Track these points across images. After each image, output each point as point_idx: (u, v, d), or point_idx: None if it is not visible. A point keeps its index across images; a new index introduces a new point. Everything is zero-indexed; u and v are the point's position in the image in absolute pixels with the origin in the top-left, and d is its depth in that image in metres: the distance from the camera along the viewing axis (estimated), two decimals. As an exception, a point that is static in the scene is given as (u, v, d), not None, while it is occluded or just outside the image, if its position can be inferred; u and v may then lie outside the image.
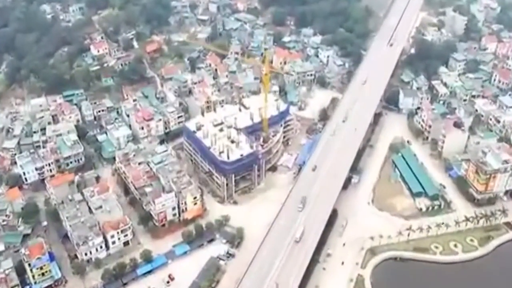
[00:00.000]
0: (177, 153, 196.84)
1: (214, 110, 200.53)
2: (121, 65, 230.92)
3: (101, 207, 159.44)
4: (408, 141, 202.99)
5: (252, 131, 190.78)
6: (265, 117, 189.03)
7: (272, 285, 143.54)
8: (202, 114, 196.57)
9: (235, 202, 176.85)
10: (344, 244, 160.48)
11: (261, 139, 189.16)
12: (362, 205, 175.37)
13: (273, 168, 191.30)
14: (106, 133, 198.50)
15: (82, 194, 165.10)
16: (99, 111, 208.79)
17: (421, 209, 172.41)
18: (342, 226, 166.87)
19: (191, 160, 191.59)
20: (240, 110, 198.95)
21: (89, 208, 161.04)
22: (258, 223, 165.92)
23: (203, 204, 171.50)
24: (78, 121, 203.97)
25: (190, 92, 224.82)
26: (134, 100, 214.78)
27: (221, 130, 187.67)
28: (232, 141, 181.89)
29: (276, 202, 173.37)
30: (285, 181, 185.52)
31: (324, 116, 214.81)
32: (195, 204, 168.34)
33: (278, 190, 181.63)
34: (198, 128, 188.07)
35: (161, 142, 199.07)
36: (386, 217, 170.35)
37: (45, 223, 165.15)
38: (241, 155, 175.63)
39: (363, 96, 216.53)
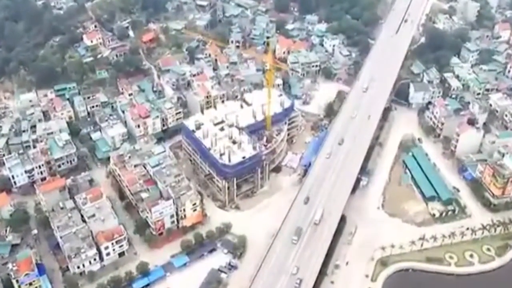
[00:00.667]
0: (175, 152, 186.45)
1: (214, 107, 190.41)
2: (116, 56, 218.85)
3: (94, 215, 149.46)
4: (419, 139, 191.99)
5: (255, 129, 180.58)
6: (269, 114, 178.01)
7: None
8: (202, 111, 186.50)
9: (237, 207, 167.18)
10: (352, 255, 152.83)
11: (264, 139, 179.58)
12: (372, 210, 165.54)
13: (277, 169, 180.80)
14: (100, 130, 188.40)
15: (74, 200, 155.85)
16: (93, 107, 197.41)
17: (434, 215, 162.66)
18: (350, 234, 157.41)
19: (190, 160, 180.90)
20: (241, 106, 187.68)
21: (82, 216, 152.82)
22: (262, 231, 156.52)
23: (203, 210, 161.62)
24: (70, 117, 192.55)
25: (188, 84, 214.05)
26: (130, 95, 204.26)
27: (221, 129, 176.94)
28: (234, 142, 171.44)
29: (280, 207, 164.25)
30: (290, 184, 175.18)
31: (330, 111, 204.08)
32: (195, 210, 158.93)
33: (283, 193, 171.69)
34: (198, 127, 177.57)
35: (159, 140, 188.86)
36: (397, 224, 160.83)
37: (35, 231, 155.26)
38: (244, 157, 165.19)
39: (372, 90, 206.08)
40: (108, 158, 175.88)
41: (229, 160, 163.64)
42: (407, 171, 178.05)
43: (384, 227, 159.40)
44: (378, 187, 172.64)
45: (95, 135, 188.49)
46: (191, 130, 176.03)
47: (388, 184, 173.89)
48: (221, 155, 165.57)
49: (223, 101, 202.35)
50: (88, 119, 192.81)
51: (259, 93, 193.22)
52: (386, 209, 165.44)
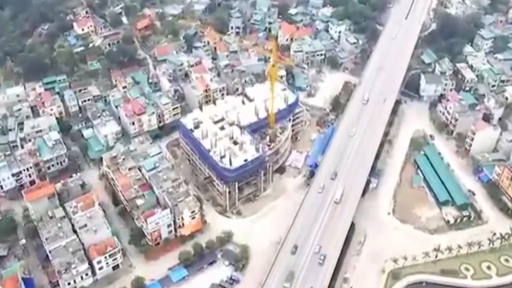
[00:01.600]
0: (173, 151, 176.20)
1: (214, 102, 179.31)
2: (109, 45, 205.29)
3: (85, 225, 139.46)
4: (431, 136, 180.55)
5: (257, 128, 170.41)
6: (272, 112, 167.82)
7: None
8: (200, 108, 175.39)
9: (238, 213, 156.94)
10: (362, 267, 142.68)
11: (267, 138, 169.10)
12: (382, 215, 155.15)
13: (281, 170, 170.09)
14: (92, 127, 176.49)
15: (64, 208, 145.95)
16: (85, 101, 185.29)
17: (448, 222, 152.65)
18: (360, 243, 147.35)
19: (189, 160, 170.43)
20: (243, 102, 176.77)
21: (72, 225, 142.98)
22: (266, 240, 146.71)
23: (203, 217, 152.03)
24: (60, 113, 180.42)
25: (186, 75, 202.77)
26: (124, 87, 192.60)
27: (222, 128, 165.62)
28: (235, 143, 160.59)
29: (285, 213, 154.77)
30: (295, 186, 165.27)
31: (337, 104, 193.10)
32: (194, 218, 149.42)
33: (287, 198, 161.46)
34: (196, 126, 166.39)
35: (155, 137, 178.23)
36: (409, 232, 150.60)
37: (23, 241, 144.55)
38: (246, 160, 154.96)
39: (381, 82, 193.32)
40: (101, 159, 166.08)
41: (230, 164, 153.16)
42: (419, 171, 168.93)
43: (395, 235, 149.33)
44: (389, 190, 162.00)
45: (87, 133, 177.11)
46: (189, 129, 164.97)
47: (399, 186, 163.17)
48: (221, 157, 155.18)
49: (222, 94, 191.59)
50: (80, 114, 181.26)
51: (262, 87, 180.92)
52: (397, 215, 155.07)
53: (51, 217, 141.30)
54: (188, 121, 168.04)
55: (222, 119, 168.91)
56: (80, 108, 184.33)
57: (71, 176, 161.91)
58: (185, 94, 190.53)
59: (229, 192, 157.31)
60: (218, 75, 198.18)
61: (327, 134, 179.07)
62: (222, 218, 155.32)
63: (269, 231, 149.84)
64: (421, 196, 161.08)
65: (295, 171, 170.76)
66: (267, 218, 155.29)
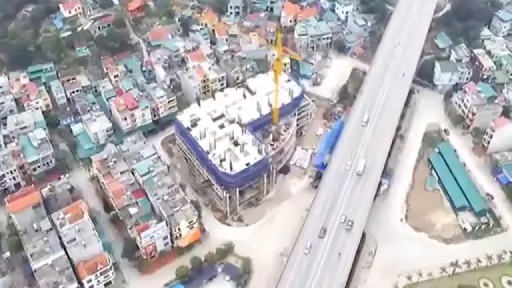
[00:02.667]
0: (169, 148, 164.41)
1: (213, 95, 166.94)
2: (99, 28, 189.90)
3: (74, 239, 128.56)
4: (445, 130, 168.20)
5: (260, 125, 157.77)
6: (276, 107, 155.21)
7: None
8: (198, 102, 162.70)
9: (239, 219, 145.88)
10: (373, 282, 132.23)
11: (271, 136, 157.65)
12: (394, 222, 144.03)
13: (285, 169, 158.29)
14: (81, 121, 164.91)
15: (51, 219, 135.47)
16: (73, 92, 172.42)
17: (465, 229, 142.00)
18: (370, 254, 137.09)
19: (185, 159, 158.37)
20: (244, 96, 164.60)
21: (60, 237, 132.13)
22: (269, 251, 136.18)
23: (201, 225, 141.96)
24: (47, 106, 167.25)
25: (183, 61, 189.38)
26: (115, 77, 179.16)
27: (221, 126, 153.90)
28: (236, 143, 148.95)
29: (290, 220, 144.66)
30: (301, 188, 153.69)
31: (344, 94, 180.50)
32: (191, 228, 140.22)
33: (292, 201, 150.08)
34: (194, 124, 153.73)
35: (150, 132, 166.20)
36: (424, 241, 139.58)
37: (7, 254, 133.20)
38: (247, 164, 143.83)
39: (393, 70, 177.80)
40: (91, 157, 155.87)
41: (231, 168, 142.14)
42: (433, 172, 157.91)
43: (408, 245, 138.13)
44: (401, 193, 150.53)
45: (76, 128, 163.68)
46: (185, 127, 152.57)
47: (412, 189, 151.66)
48: (221, 161, 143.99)
49: (222, 84, 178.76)
50: (68, 109, 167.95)
51: (264, 79, 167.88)
52: (410, 222, 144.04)
53: (36, 230, 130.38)
54: (184, 118, 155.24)
55: (222, 116, 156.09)
56: (68, 99, 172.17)
57: (59, 178, 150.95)
58: (181, 84, 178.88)
59: (230, 197, 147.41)
60: (217, 61, 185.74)
61: (335, 129, 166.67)
62: (222, 226, 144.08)
63: (272, 241, 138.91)
64: (436, 200, 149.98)
65: (300, 171, 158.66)
66: (270, 226, 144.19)
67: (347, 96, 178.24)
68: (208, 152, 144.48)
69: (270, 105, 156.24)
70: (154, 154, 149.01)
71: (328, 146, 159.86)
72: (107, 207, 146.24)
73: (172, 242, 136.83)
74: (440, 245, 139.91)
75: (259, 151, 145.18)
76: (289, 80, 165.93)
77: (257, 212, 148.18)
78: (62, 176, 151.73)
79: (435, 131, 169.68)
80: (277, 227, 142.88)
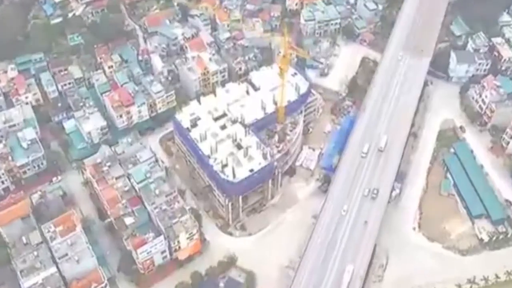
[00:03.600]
0: (167, 147, 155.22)
1: (214, 91, 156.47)
2: (92, 14, 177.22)
3: (66, 254, 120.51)
4: (461, 127, 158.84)
5: (264, 125, 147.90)
6: (282, 107, 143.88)
7: None
8: (198, 99, 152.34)
9: (242, 227, 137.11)
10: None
11: (276, 137, 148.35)
12: (406, 231, 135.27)
13: (290, 171, 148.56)
14: (74, 116, 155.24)
15: (41, 230, 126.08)
16: (65, 85, 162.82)
17: (481, 239, 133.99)
18: (381, 266, 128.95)
19: (185, 160, 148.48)
20: (247, 92, 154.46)
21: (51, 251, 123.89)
22: (275, 263, 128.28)
23: (202, 236, 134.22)
24: (37, 100, 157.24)
25: (181, 49, 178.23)
26: (110, 67, 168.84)
27: (223, 127, 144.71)
28: (239, 146, 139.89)
29: (296, 229, 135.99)
30: (307, 193, 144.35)
31: (354, 87, 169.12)
32: (191, 239, 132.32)
33: (298, 208, 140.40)
34: (193, 124, 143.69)
35: (147, 129, 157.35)
36: (438, 252, 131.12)
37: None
38: (251, 170, 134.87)
39: (406, 60, 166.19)
40: (85, 157, 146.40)
41: (234, 176, 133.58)
42: (448, 175, 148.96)
43: (421, 257, 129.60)
44: (414, 198, 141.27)
45: (68, 125, 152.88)
46: (185, 128, 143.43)
47: (426, 193, 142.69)
48: (223, 167, 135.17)
49: (223, 76, 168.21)
50: (60, 104, 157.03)
51: (269, 72, 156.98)
52: (423, 230, 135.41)
53: (25, 244, 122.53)
54: (184, 117, 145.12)
55: (224, 115, 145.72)
56: (60, 92, 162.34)
57: (51, 181, 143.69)
58: (180, 76, 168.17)
59: (232, 204, 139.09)
60: (218, 50, 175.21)
61: (344, 127, 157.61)
62: (224, 236, 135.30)
63: (277, 253, 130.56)
64: (451, 206, 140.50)
65: (307, 173, 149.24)
66: (275, 235, 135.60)
67: (356, 88, 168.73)
68: (209, 157, 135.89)
69: (275, 103, 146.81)
70: (152, 157, 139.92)
71: (337, 146, 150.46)
72: (102, 214, 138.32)
73: (171, 254, 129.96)
74: (455, 256, 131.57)
75: (264, 156, 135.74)
76: (295, 74, 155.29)
77: (261, 220, 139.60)
78: (54, 179, 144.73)
79: (450, 129, 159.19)
80: (282, 237, 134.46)
